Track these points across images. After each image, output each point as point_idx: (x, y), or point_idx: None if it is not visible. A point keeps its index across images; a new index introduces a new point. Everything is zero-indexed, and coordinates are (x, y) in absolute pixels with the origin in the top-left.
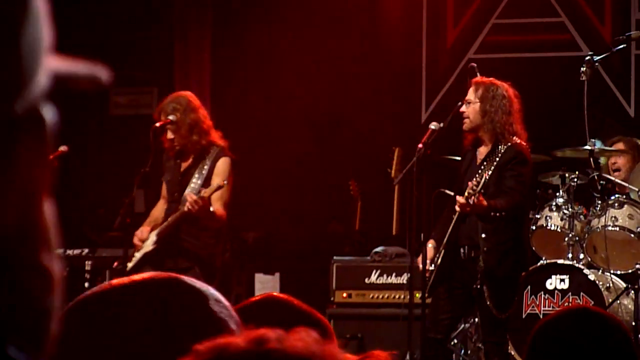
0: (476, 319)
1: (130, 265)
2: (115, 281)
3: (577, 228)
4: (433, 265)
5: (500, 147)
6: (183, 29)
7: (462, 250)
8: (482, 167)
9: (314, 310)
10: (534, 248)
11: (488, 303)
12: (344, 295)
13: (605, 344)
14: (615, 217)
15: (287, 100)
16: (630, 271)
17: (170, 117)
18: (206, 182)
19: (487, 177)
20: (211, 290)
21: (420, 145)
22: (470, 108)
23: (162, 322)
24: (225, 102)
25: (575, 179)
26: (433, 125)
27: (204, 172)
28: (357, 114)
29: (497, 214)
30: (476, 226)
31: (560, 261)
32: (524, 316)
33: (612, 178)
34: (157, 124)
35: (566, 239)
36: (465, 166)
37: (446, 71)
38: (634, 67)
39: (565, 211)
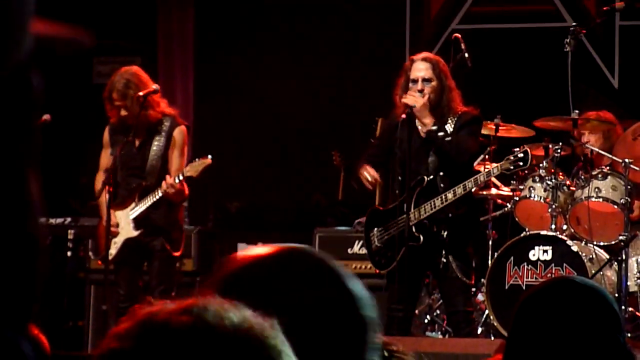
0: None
1: (112, 252)
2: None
3: (561, 199)
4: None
5: (448, 117)
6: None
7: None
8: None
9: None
10: (517, 219)
11: (458, 274)
12: None
13: (591, 314)
14: (598, 188)
15: (272, 71)
16: (613, 242)
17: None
18: (164, 154)
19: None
20: None
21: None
22: (429, 88)
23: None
24: (208, 71)
25: (559, 150)
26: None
27: (161, 144)
28: (340, 85)
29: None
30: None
31: (543, 232)
32: (506, 287)
33: (596, 149)
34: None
35: (549, 210)
36: (405, 137)
37: (430, 42)
38: (618, 39)
39: (549, 182)
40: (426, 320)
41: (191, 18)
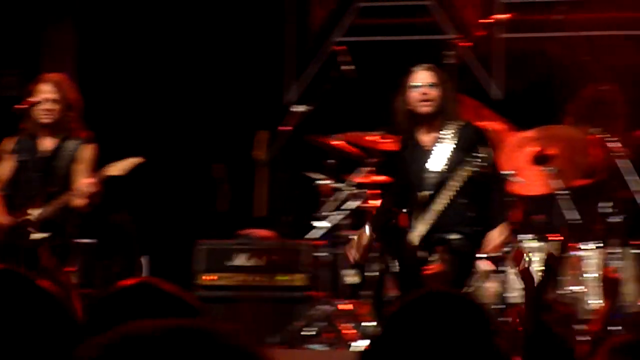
0: None
1: None
2: None
3: None
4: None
5: (450, 128)
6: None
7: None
8: (432, 152)
9: (185, 293)
10: None
11: None
12: (209, 278)
13: (462, 327)
14: None
15: (151, 83)
16: (493, 255)
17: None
18: (72, 164)
19: (449, 160)
20: None
21: (285, 128)
22: (434, 92)
23: None
24: (90, 86)
25: None
26: (299, 108)
27: (70, 152)
28: (222, 97)
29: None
30: (453, 215)
31: None
32: (389, 299)
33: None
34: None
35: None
36: (409, 154)
37: (312, 53)
38: (500, 51)
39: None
40: (310, 333)
41: (73, 32)
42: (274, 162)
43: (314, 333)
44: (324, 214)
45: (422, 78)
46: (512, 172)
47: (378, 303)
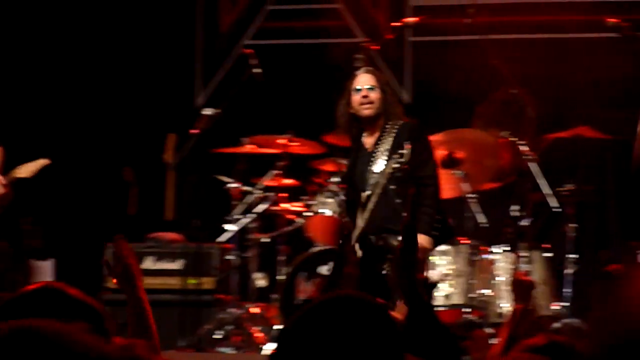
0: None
1: None
2: None
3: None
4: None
5: (388, 128)
6: None
7: (368, 240)
8: (374, 153)
9: (89, 298)
10: (308, 235)
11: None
12: None
13: (367, 332)
14: None
15: (61, 84)
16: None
17: None
18: None
19: (402, 155)
20: None
21: (194, 131)
22: (374, 94)
23: None
24: None
25: None
26: (208, 111)
27: None
28: (131, 99)
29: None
30: (385, 214)
31: (333, 248)
32: (298, 302)
33: None
34: None
35: (340, 225)
36: (353, 158)
37: (221, 56)
38: (409, 54)
39: (340, 197)
40: (219, 336)
41: None
42: (183, 165)
43: (223, 336)
44: (233, 217)
45: (362, 81)
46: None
47: (287, 306)
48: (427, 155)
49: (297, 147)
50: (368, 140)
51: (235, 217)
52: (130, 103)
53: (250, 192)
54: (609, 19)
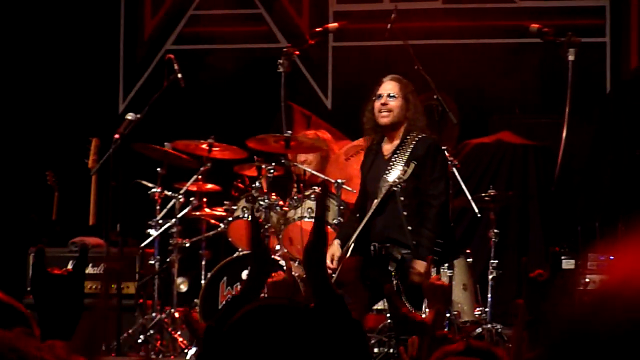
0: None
1: None
2: None
3: (274, 219)
4: (335, 262)
5: (409, 139)
6: None
7: (372, 247)
8: (392, 161)
9: (14, 301)
10: (230, 239)
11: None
12: None
13: (291, 340)
14: (311, 208)
15: None
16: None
17: None
18: None
19: (405, 171)
20: None
21: (117, 136)
22: (394, 102)
23: None
24: None
25: (272, 170)
26: (130, 116)
27: None
28: (54, 104)
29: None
30: (392, 223)
31: None
32: (219, 307)
33: (309, 169)
34: None
35: (262, 230)
36: (369, 162)
37: (144, 62)
38: (331, 59)
39: (262, 202)
40: (141, 341)
41: None
42: (106, 170)
43: (145, 341)
44: (155, 222)
45: (385, 88)
46: (343, 180)
47: (209, 311)
48: (439, 175)
49: (219, 152)
50: (386, 147)
51: (158, 221)
52: (53, 108)
53: (172, 197)
54: (531, 25)
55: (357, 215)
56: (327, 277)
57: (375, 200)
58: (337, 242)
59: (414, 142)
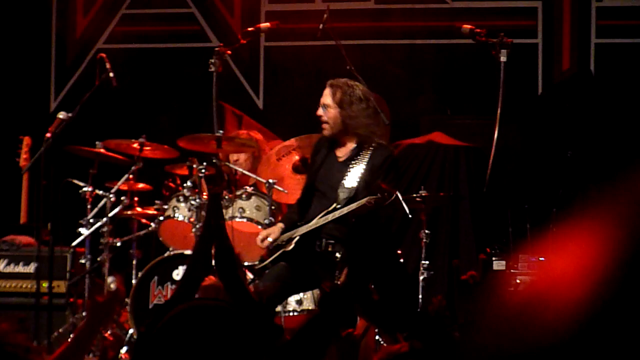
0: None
1: None
2: None
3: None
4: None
5: (365, 149)
6: None
7: (318, 242)
8: (349, 167)
9: None
10: (161, 239)
11: None
12: None
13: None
14: (242, 208)
15: None
16: (257, 263)
17: None
18: None
19: (359, 179)
20: None
21: (48, 135)
22: (329, 114)
23: None
24: None
25: (203, 170)
26: (62, 115)
27: None
28: None
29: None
30: (339, 223)
31: (187, 252)
32: (151, 306)
33: (240, 169)
34: None
35: (193, 229)
36: (319, 162)
37: (75, 61)
38: (263, 59)
39: (193, 202)
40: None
41: None
42: (37, 169)
43: None
44: (86, 221)
45: (322, 97)
46: (274, 181)
47: (139, 310)
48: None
49: (151, 151)
50: (341, 150)
51: (89, 221)
52: None
53: (103, 196)
54: (463, 25)
55: (302, 208)
56: (241, 280)
57: (337, 206)
58: (280, 225)
59: (370, 149)
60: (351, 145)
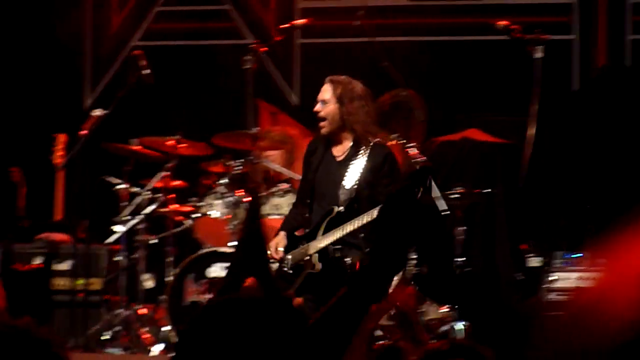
0: None
1: None
2: None
3: (241, 216)
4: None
5: (363, 147)
6: None
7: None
8: (348, 167)
9: None
10: (196, 236)
11: None
12: None
13: (268, 330)
14: (277, 205)
15: None
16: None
17: None
18: None
19: (358, 179)
20: None
21: (84, 132)
22: (328, 109)
23: None
24: None
25: (238, 167)
26: (97, 112)
27: None
28: (20, 100)
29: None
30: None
31: (222, 249)
32: (187, 304)
33: (276, 166)
34: None
35: (229, 226)
36: (317, 162)
37: (110, 57)
38: (298, 56)
39: (229, 199)
40: (107, 337)
41: None
42: (72, 166)
43: (111, 337)
44: (121, 218)
45: (320, 93)
46: None
47: (175, 308)
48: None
49: (186, 148)
50: (337, 149)
51: (124, 218)
52: (18, 103)
53: (138, 194)
54: (498, 22)
55: (303, 212)
56: (269, 272)
57: (337, 209)
58: (282, 233)
59: (368, 149)
60: (348, 144)
